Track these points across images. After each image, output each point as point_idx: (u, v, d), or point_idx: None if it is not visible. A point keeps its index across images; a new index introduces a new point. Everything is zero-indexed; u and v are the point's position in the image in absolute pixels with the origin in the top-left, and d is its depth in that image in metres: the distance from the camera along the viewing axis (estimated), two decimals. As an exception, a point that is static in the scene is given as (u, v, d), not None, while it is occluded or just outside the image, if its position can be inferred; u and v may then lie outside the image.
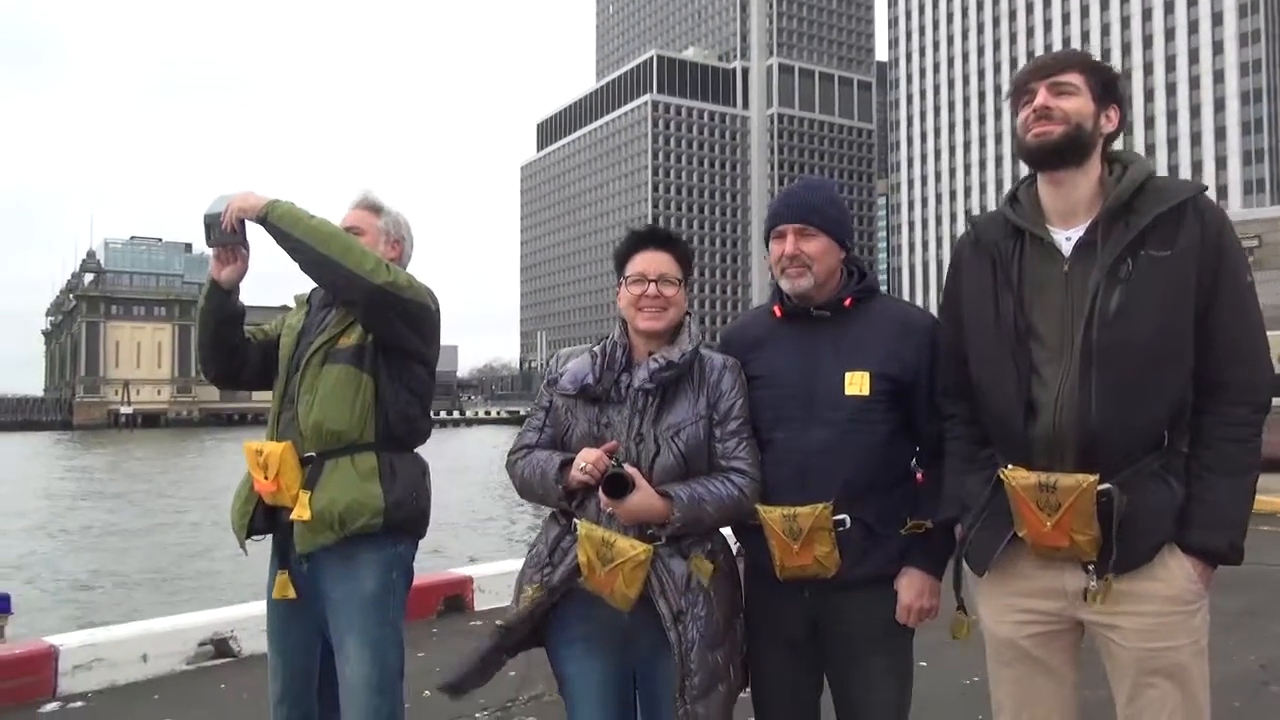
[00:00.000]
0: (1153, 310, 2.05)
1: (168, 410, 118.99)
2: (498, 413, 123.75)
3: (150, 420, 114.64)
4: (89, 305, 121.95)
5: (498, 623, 2.46)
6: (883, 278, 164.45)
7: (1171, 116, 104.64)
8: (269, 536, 2.82)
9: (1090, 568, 2.10)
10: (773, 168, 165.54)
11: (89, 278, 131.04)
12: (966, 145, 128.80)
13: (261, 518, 2.78)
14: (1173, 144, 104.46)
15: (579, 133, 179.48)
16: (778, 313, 2.58)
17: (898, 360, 2.47)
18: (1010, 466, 2.15)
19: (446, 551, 15.73)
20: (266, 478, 2.69)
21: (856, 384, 2.45)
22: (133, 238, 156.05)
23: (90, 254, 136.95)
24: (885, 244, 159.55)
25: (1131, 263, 2.08)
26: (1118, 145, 2.23)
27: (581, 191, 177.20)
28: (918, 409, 2.48)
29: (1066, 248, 2.16)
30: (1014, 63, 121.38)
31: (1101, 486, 2.03)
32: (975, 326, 2.28)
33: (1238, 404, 2.09)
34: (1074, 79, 2.16)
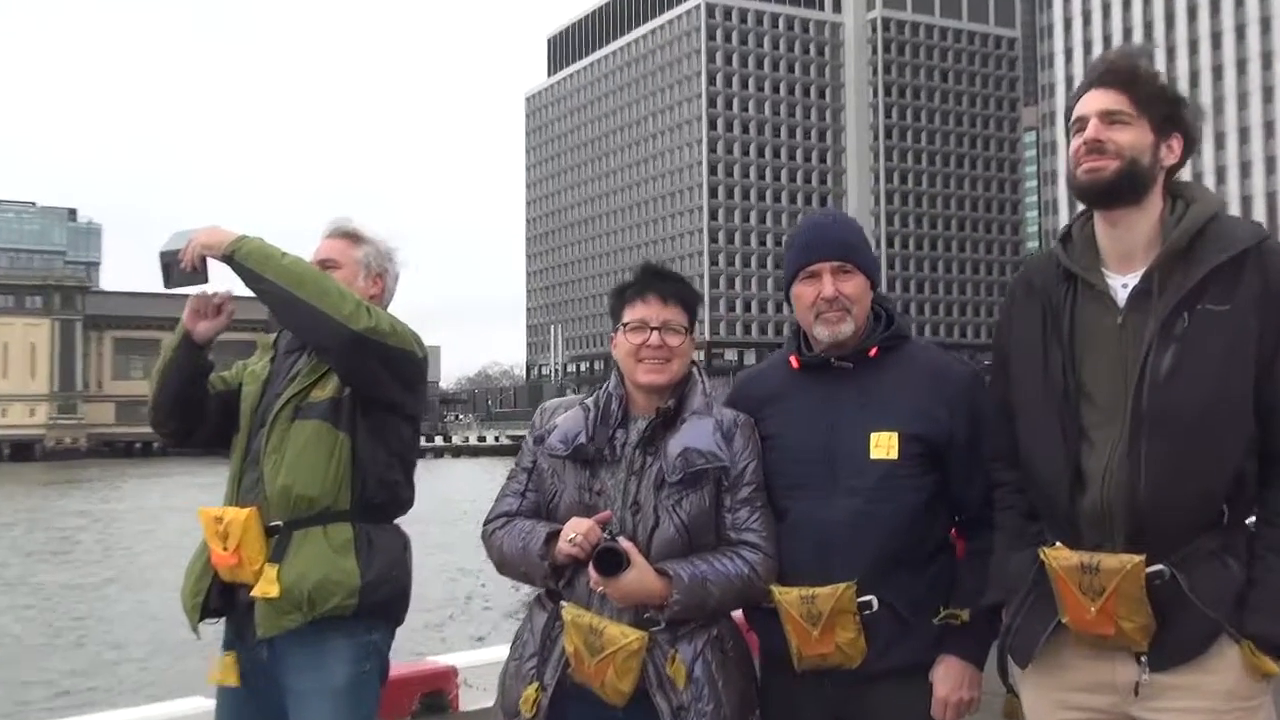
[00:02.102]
0: (1208, 371, 2.50)
1: (45, 436, 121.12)
2: (495, 438, 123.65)
3: (21, 451, 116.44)
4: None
5: None
6: (1033, 245, 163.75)
7: None
8: (224, 619, 3.32)
9: (1143, 658, 2.54)
10: (875, 93, 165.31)
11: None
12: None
13: (218, 596, 3.29)
14: None
15: (605, 50, 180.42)
16: (794, 363, 3.10)
17: (930, 418, 2.95)
18: (1057, 544, 2.61)
19: (423, 635, 16.36)
20: (226, 549, 3.18)
21: (883, 446, 2.93)
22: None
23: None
24: (1035, 197, 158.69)
25: (1188, 317, 2.52)
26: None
27: (609, 131, 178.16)
28: (954, 474, 2.97)
29: (1122, 296, 2.61)
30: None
31: (1154, 567, 2.48)
32: (1022, 383, 2.75)
33: None
34: (1130, 107, 2.60)
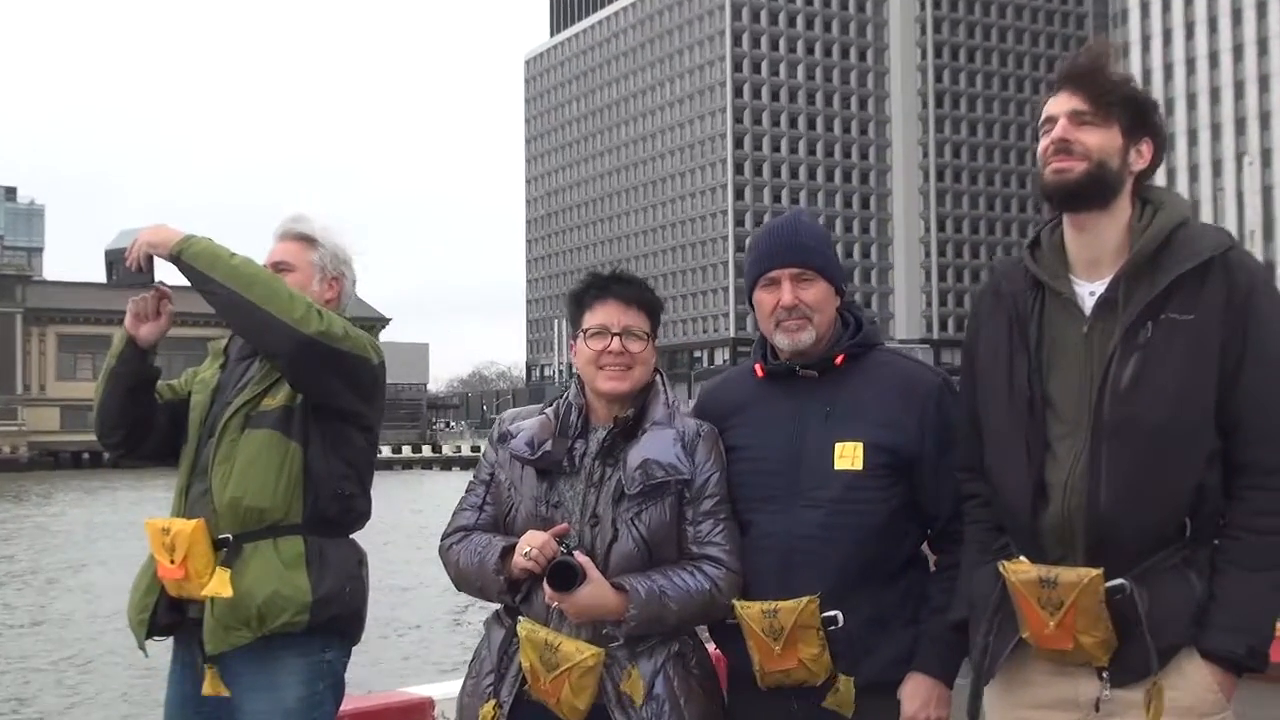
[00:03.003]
0: (1170, 382, 2.81)
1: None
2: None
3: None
4: None
5: None
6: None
7: None
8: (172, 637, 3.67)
9: (1105, 674, 2.86)
10: (924, 55, 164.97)
11: None
12: (1236, 12, 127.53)
13: (165, 611, 3.62)
14: None
15: (616, 5, 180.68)
16: (759, 372, 3.44)
17: (897, 428, 3.29)
18: (1020, 558, 2.93)
19: (399, 664, 16.74)
20: (173, 562, 3.51)
21: (848, 456, 3.26)
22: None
23: None
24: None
25: (1151, 326, 2.84)
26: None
27: (620, 99, 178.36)
28: (923, 485, 3.30)
29: (1089, 303, 2.94)
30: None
31: (1114, 582, 2.79)
32: (988, 393, 3.09)
33: (1262, 489, 2.83)
34: (1100, 109, 2.92)
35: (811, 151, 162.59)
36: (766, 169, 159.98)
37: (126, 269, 3.63)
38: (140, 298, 3.69)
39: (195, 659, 3.62)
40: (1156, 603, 2.80)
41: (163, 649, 3.78)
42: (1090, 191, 2.92)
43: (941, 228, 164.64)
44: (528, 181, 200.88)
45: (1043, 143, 2.98)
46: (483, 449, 3.58)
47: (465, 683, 3.44)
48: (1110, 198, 2.94)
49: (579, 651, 3.15)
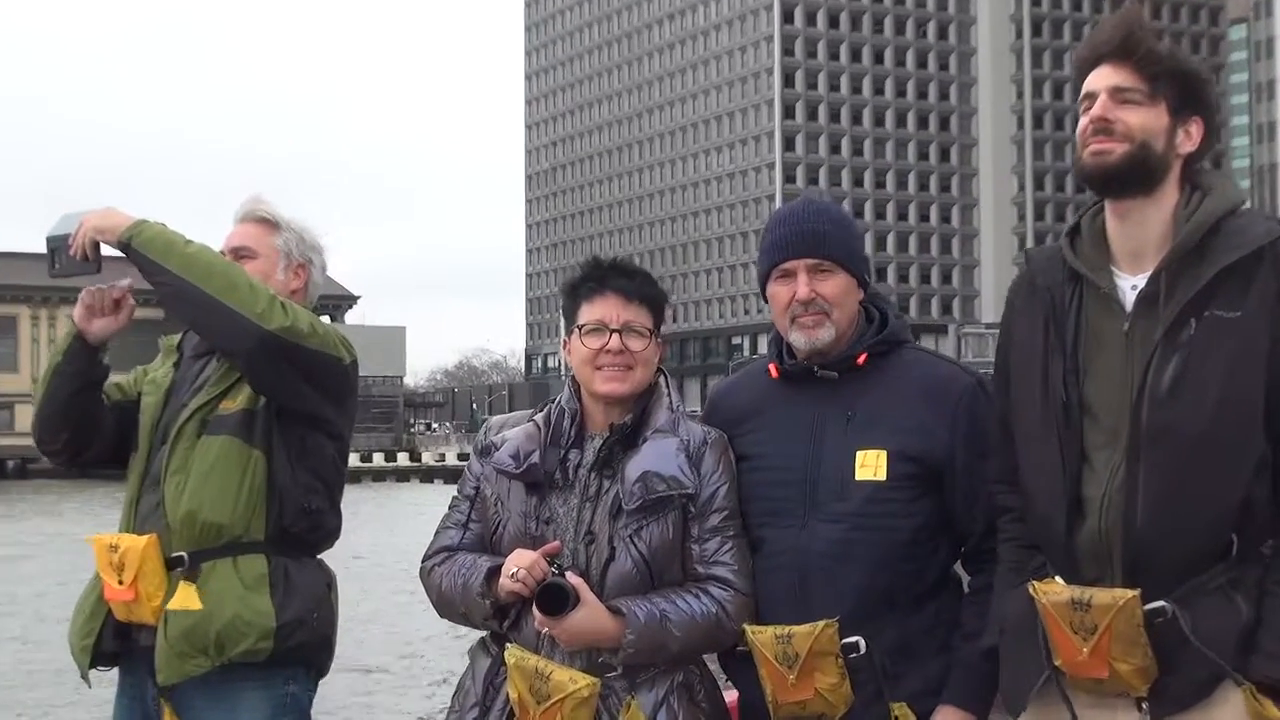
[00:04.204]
0: (1213, 385, 3.09)
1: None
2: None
3: None
4: None
5: None
6: (1245, 183, 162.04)
7: None
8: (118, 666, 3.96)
9: (1144, 705, 3.15)
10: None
11: None
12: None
13: (111, 638, 3.92)
14: None
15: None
16: (774, 373, 3.77)
17: (925, 434, 3.61)
18: (1054, 579, 3.23)
19: (364, 697, 17.13)
20: (121, 582, 3.79)
21: (870, 466, 3.58)
22: None
23: None
24: (1246, 118, 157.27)
25: (1194, 324, 3.13)
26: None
27: (641, 26, 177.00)
28: (955, 498, 3.62)
29: (1130, 298, 3.24)
30: None
31: (1154, 605, 3.08)
32: (1021, 397, 3.39)
33: None
34: (1144, 85, 3.21)
35: (879, 91, 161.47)
36: (823, 113, 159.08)
37: (70, 257, 3.92)
38: (95, 289, 3.96)
39: (144, 691, 3.92)
40: (1199, 627, 3.07)
41: (109, 680, 4.06)
42: (1131, 176, 3.20)
43: (1039, 186, 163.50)
44: (528, 128, 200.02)
45: (1081, 122, 3.26)
46: (468, 461, 3.83)
47: (448, 717, 3.75)
48: (1154, 183, 3.22)
49: (572, 681, 3.43)
